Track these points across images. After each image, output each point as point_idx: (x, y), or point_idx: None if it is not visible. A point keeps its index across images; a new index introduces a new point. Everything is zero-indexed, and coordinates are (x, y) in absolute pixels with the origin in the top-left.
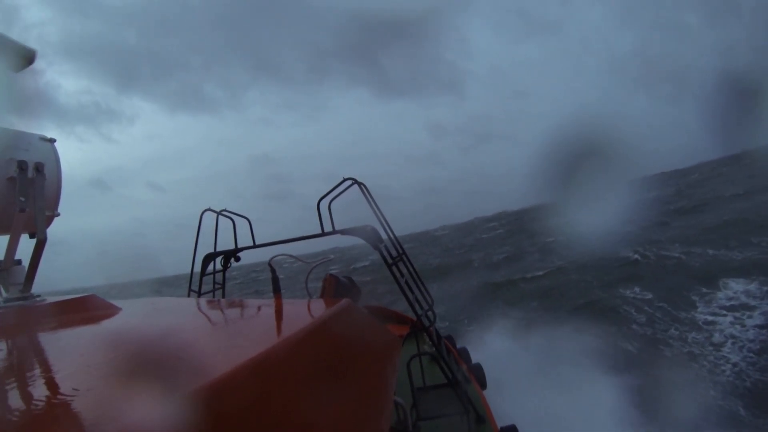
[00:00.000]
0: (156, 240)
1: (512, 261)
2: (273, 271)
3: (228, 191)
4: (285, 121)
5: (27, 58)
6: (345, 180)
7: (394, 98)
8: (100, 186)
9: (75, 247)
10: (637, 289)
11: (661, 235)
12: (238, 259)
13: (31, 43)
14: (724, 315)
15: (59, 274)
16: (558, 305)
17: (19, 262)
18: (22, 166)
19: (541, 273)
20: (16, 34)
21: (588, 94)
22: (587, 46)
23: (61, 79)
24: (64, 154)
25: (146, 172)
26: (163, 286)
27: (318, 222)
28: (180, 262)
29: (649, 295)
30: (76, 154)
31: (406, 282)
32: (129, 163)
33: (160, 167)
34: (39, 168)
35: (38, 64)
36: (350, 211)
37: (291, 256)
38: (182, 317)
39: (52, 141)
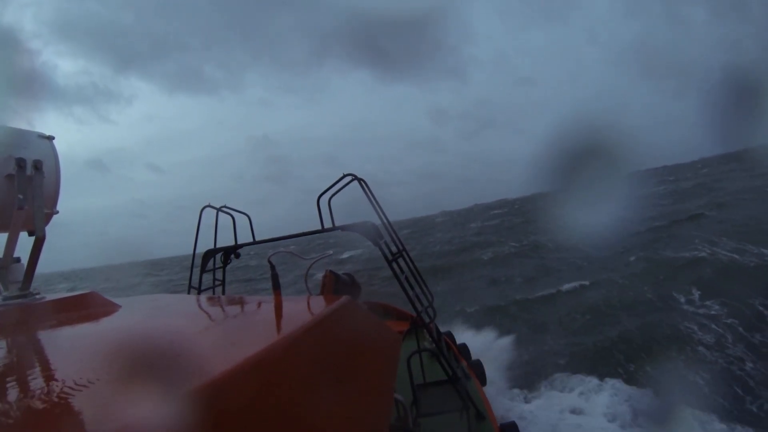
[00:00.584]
0: (156, 221)
1: (529, 265)
2: (272, 267)
3: (228, 173)
4: (285, 103)
5: None
6: (345, 176)
7: (396, 82)
8: (99, 167)
9: (75, 228)
10: (696, 296)
11: (701, 229)
12: (238, 256)
13: (26, 23)
14: None
15: (59, 255)
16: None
17: (18, 259)
18: (20, 163)
19: (571, 286)
20: (10, 13)
21: (592, 83)
22: (593, 35)
23: (58, 59)
24: (62, 134)
25: (145, 153)
26: (156, 268)
27: (318, 218)
28: (180, 244)
29: (715, 308)
30: (74, 135)
31: (406, 278)
32: (128, 144)
33: (159, 148)
34: (37, 165)
35: (34, 44)
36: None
37: (291, 253)
38: (182, 314)
39: (51, 138)
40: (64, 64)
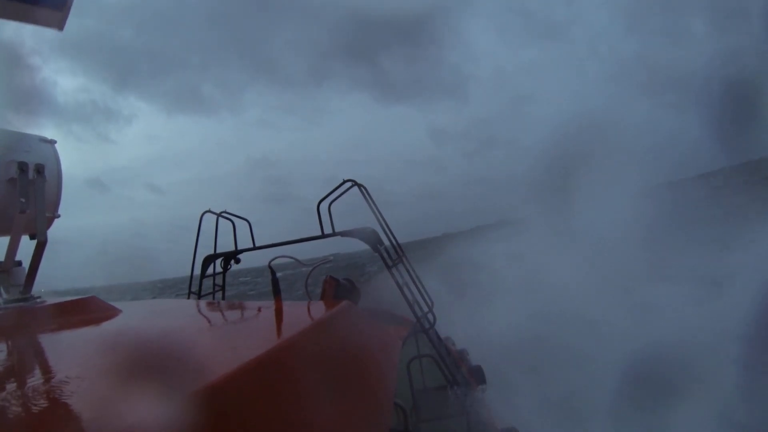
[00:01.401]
0: (155, 241)
1: None
2: (273, 273)
3: (227, 193)
4: (283, 124)
5: (63, 12)
6: (345, 182)
7: (396, 102)
8: (99, 186)
9: (74, 247)
10: None
11: None
12: (238, 261)
13: (26, 39)
14: None
15: (58, 272)
16: None
17: (19, 263)
18: (22, 167)
19: None
20: (11, 28)
21: (593, 98)
22: (593, 50)
23: (58, 76)
24: (61, 152)
25: (144, 173)
26: (163, 289)
27: (318, 224)
28: (179, 263)
29: None
30: (73, 154)
31: (406, 284)
32: (127, 163)
33: (158, 168)
34: (39, 169)
35: (34, 60)
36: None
37: (291, 258)
38: (182, 319)
39: (53, 142)
40: (64, 81)
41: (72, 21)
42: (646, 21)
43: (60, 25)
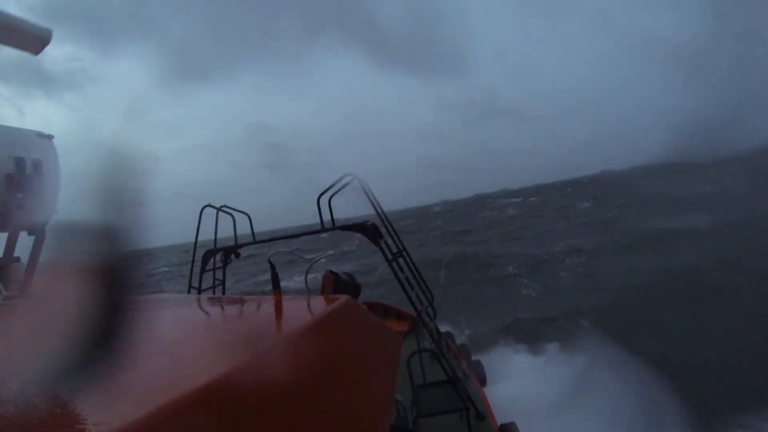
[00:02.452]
0: (153, 208)
1: None
2: (272, 267)
3: (225, 161)
4: (281, 90)
5: (44, 38)
6: (345, 176)
7: (396, 69)
8: None
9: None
10: None
11: None
12: (238, 255)
13: (11, 6)
14: None
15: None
16: None
17: (17, 259)
18: (20, 163)
19: None
20: None
21: (597, 71)
22: (601, 23)
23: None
24: (55, 122)
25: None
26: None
27: (318, 217)
28: (176, 232)
29: None
30: (67, 123)
31: (406, 278)
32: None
33: (154, 135)
34: (37, 165)
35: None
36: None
37: (291, 252)
38: (182, 314)
39: (50, 138)
40: (53, 50)
41: None
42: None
43: (36, 52)
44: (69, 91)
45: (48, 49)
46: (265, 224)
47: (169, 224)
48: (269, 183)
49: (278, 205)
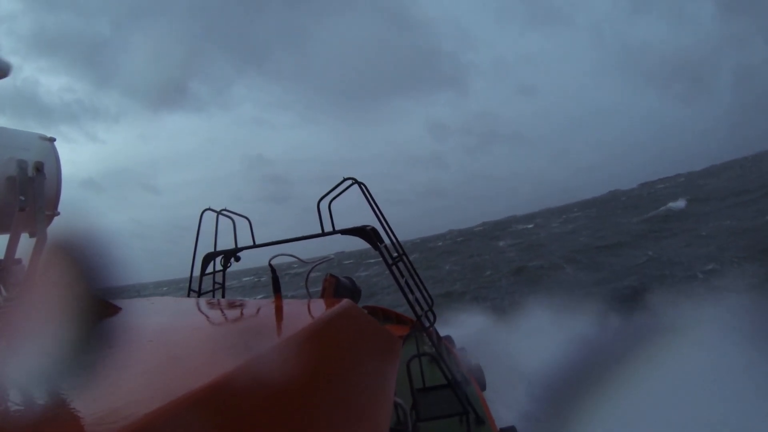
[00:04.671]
0: (155, 242)
1: None
2: (273, 271)
3: (225, 194)
4: (278, 121)
5: (2, 72)
6: (345, 180)
7: (393, 96)
8: (93, 187)
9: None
10: None
11: None
12: (238, 259)
13: (2, 39)
14: None
15: None
16: None
17: (19, 261)
18: (21, 165)
19: None
20: None
21: (596, 88)
22: (598, 37)
23: (40, 75)
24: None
25: (139, 173)
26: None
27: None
28: (180, 264)
29: None
30: (64, 154)
31: (406, 282)
32: (119, 163)
33: (152, 169)
34: (39, 167)
35: (14, 60)
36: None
37: (291, 256)
38: (182, 317)
39: (52, 140)
40: (47, 81)
41: (47, 16)
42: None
43: None
44: (65, 122)
45: (42, 79)
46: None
47: (171, 258)
48: (271, 216)
49: (279, 237)
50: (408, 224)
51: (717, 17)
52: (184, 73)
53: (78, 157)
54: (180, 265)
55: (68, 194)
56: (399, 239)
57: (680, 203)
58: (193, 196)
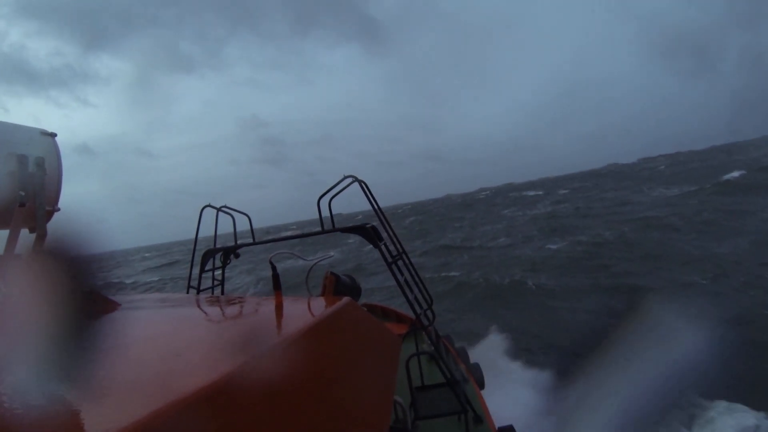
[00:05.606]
0: (155, 207)
1: None
2: (273, 268)
3: (222, 157)
4: (272, 82)
5: None
6: (345, 177)
7: (389, 55)
8: (87, 152)
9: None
10: None
11: None
12: (237, 256)
13: None
14: None
15: None
16: None
17: (19, 257)
18: (22, 160)
19: None
20: None
21: (602, 59)
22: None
23: (27, 40)
24: (44, 120)
25: (132, 137)
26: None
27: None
28: (186, 230)
29: None
30: (55, 120)
31: (406, 281)
32: (112, 127)
33: (145, 133)
34: (39, 162)
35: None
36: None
37: (291, 253)
38: (182, 314)
39: (53, 135)
40: (35, 45)
41: None
42: None
43: None
44: (55, 87)
45: (30, 43)
46: (268, 220)
47: (175, 222)
48: (269, 179)
49: (280, 201)
50: (403, 187)
51: None
52: (176, 33)
53: (70, 122)
54: (176, 226)
55: (64, 160)
56: (394, 202)
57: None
58: (188, 160)
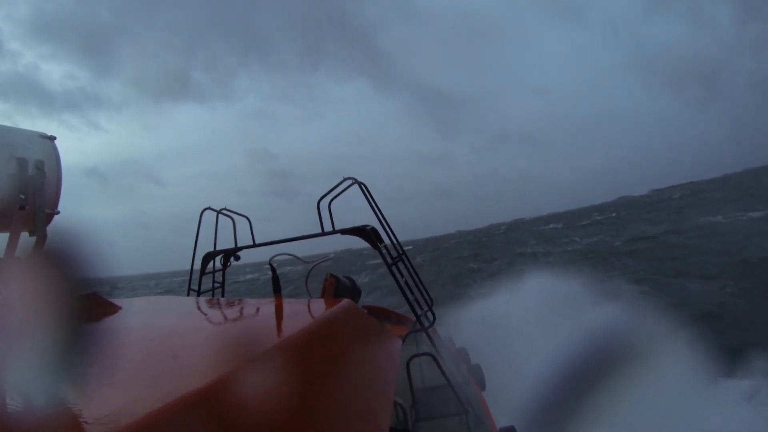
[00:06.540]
0: (163, 233)
1: None
2: (273, 270)
3: (229, 188)
4: (282, 113)
5: None
6: (345, 179)
7: (398, 91)
8: (97, 176)
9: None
10: None
11: None
12: (237, 258)
13: (2, 23)
14: None
15: None
16: None
17: (18, 260)
18: (22, 163)
19: None
20: None
21: (610, 91)
22: (613, 38)
23: (41, 62)
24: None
25: (142, 164)
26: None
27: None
28: (183, 256)
29: None
30: (66, 143)
31: (406, 282)
32: (123, 153)
33: (155, 160)
34: (39, 166)
35: (14, 46)
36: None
37: (291, 255)
38: (182, 316)
39: (53, 139)
40: (49, 68)
41: (47, 1)
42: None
43: None
44: (67, 111)
45: (45, 66)
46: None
47: (181, 251)
48: (277, 212)
49: (287, 234)
50: (412, 223)
51: (735, 19)
52: (186, 63)
53: (82, 145)
54: (183, 256)
55: (74, 183)
56: (402, 239)
57: None
58: (196, 190)
